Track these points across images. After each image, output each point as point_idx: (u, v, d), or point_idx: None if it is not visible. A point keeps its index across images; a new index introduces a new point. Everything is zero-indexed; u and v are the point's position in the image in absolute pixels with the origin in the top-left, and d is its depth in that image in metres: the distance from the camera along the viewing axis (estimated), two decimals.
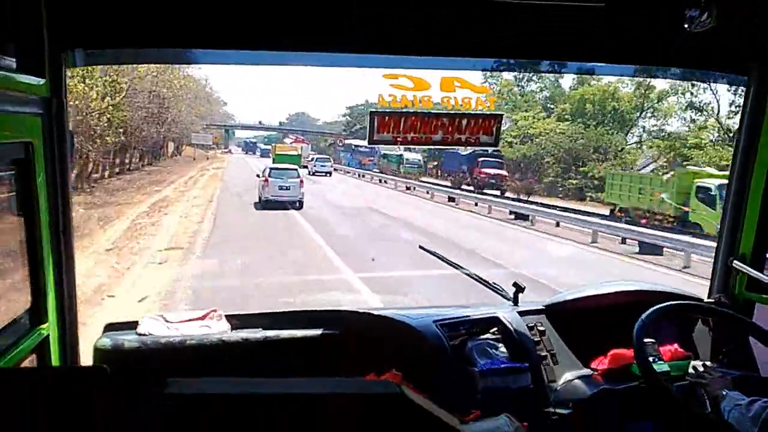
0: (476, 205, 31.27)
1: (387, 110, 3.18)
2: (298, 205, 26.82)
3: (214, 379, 1.72)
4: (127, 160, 40.18)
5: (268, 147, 77.75)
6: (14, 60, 2.34)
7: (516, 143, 45.96)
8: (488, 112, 3.31)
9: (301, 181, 27.70)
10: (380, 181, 47.22)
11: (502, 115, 3.42)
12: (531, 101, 50.15)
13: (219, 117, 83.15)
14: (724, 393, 2.53)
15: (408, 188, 40.41)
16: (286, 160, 37.77)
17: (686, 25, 2.65)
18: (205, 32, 2.79)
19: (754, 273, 3.12)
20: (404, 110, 3.20)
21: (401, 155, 50.88)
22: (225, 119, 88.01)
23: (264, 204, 26.62)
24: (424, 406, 1.64)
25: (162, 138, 49.84)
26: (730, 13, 2.58)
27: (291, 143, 51.69)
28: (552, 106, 49.78)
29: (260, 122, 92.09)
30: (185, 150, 65.47)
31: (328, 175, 49.51)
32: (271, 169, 28.41)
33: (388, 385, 1.84)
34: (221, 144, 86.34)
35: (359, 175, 53.06)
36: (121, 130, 29.56)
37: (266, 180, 27.27)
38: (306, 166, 46.52)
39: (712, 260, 3.48)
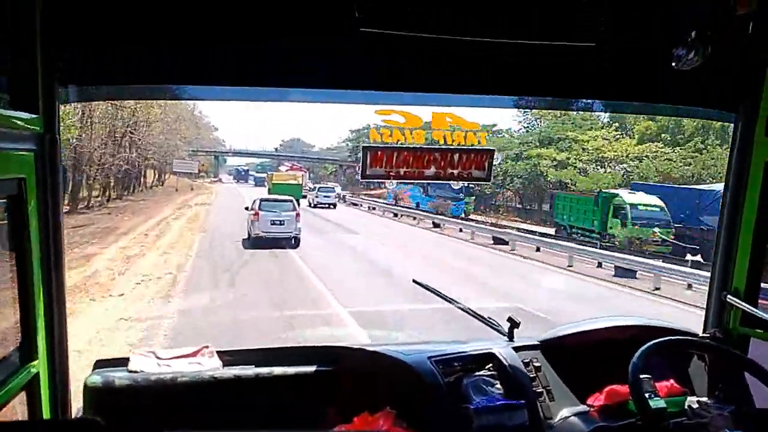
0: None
1: (379, 145, 3.20)
2: (293, 242, 24.02)
3: None
4: (83, 194, 32.81)
5: (263, 175, 73.78)
6: (7, 95, 2.35)
7: (591, 169, 42.09)
8: (480, 147, 3.33)
9: (298, 215, 24.69)
10: (394, 215, 43.48)
11: (493, 150, 3.44)
12: (592, 119, 45.51)
13: (208, 143, 78.60)
14: None
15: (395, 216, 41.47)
16: (285, 191, 32.84)
17: (674, 64, 2.69)
18: (201, 69, 2.81)
19: (748, 308, 3.12)
20: (397, 145, 3.22)
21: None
22: (215, 145, 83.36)
23: (254, 242, 23.63)
24: None
25: (136, 165, 43.58)
26: (717, 51, 2.62)
27: (287, 171, 48.28)
28: (620, 124, 44.70)
29: (251, 149, 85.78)
30: (168, 179, 59.24)
31: (331, 207, 45.17)
32: (261, 201, 25.12)
33: None
34: (210, 172, 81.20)
35: (369, 208, 48.99)
36: (69, 153, 24.78)
37: (256, 214, 24.08)
38: (305, 196, 42.70)
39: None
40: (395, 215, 43.78)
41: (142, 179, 51.19)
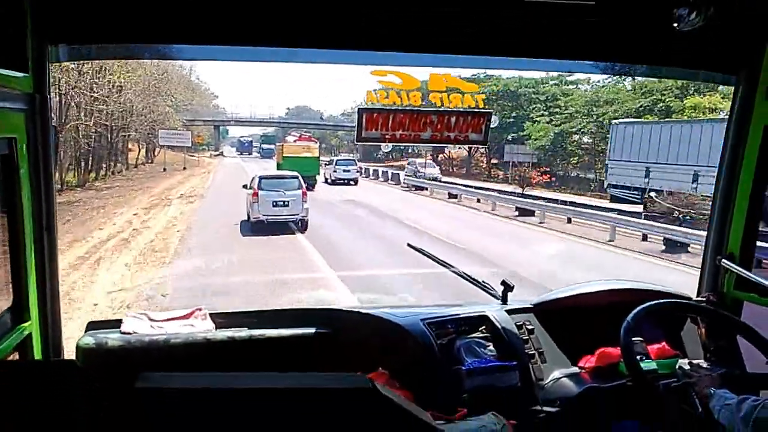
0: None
1: (375, 107, 3.16)
2: (300, 225, 20.57)
3: (187, 374, 1.71)
4: None
5: (270, 146, 65.40)
6: None
7: None
8: (478, 110, 3.30)
9: (304, 193, 21.04)
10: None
11: (491, 112, 3.41)
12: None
13: (207, 112, 66.78)
14: (711, 391, 2.52)
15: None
16: (299, 166, 26.83)
17: (675, 24, 2.64)
18: (194, 28, 2.76)
19: (742, 272, 3.12)
20: (393, 107, 3.18)
21: None
22: (215, 115, 70.20)
23: (253, 226, 20.18)
24: (396, 400, 1.64)
25: (113, 139, 36.73)
26: (719, 12, 2.57)
27: (295, 141, 38.77)
28: None
29: (257, 116, 70.43)
30: (159, 154, 48.42)
31: (352, 183, 37.74)
32: (261, 178, 21.44)
33: (360, 380, 1.83)
34: (210, 144, 70.49)
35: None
36: None
37: (255, 194, 20.47)
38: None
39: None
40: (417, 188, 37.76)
41: (119, 157, 41.27)
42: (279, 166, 32.36)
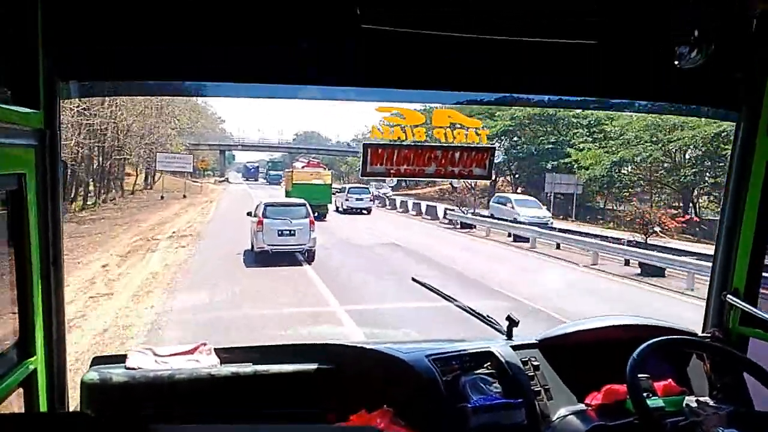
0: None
1: (380, 142, 3.19)
2: (306, 255, 19.74)
3: (195, 427, 1.70)
4: None
5: (278, 173, 62.48)
6: (8, 91, 2.35)
7: None
8: (481, 145, 3.33)
9: (312, 222, 20.13)
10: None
11: (494, 147, 3.44)
12: None
13: (213, 136, 64.96)
14: (720, 431, 2.49)
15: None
16: (310, 194, 25.79)
17: (676, 62, 2.68)
18: (202, 66, 2.81)
19: (747, 307, 3.11)
20: (397, 143, 3.21)
21: None
22: (222, 139, 68.96)
23: (258, 257, 19.34)
24: None
25: (104, 162, 34.21)
26: (720, 49, 2.61)
27: (303, 167, 36.48)
28: None
29: (264, 141, 69.10)
30: (161, 179, 44.28)
31: (365, 212, 36.42)
32: (267, 206, 20.56)
33: (369, 430, 1.81)
34: (215, 170, 69.97)
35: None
36: None
37: (260, 222, 19.63)
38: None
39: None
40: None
41: (112, 183, 38.02)
42: (288, 194, 30.52)
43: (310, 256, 19.81)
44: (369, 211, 37.18)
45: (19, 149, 2.39)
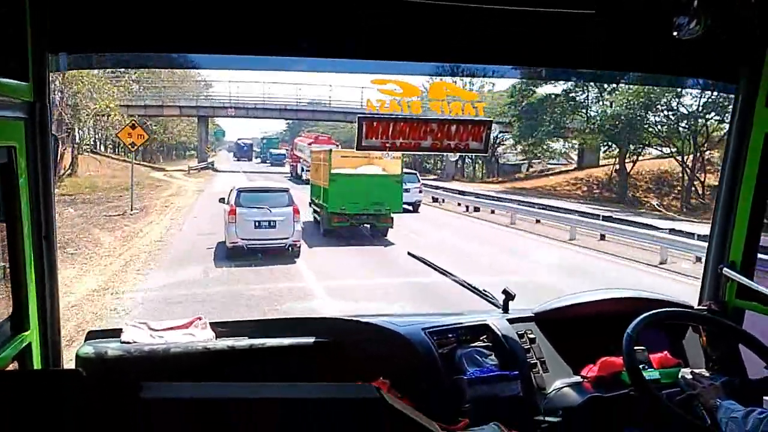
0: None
1: (375, 115, 3.16)
2: (290, 251, 16.17)
3: (190, 384, 1.69)
4: None
5: (281, 152, 52.46)
6: None
7: None
8: (478, 118, 3.29)
9: (296, 211, 16.52)
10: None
11: (491, 121, 3.40)
12: None
13: (189, 98, 43.43)
14: (718, 403, 2.51)
15: None
16: (364, 194, 18.59)
17: (675, 33, 2.65)
18: (196, 37, 2.76)
19: (744, 280, 3.12)
20: (393, 116, 3.18)
21: None
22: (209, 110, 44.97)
23: (231, 253, 15.75)
24: (404, 410, 1.63)
25: None
26: (719, 20, 2.58)
27: (310, 144, 30.36)
28: None
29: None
30: (82, 162, 31.77)
31: (413, 207, 25.81)
32: (240, 192, 16.85)
33: (367, 389, 1.82)
34: (194, 149, 51.07)
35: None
36: None
37: (233, 211, 15.95)
38: None
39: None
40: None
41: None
42: (318, 192, 20.45)
43: (293, 252, 16.32)
44: (416, 207, 26.52)
45: (9, 122, 2.36)
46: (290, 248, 16.23)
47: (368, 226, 19.85)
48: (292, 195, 17.43)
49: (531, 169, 48.87)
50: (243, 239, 15.75)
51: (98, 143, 44.22)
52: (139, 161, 35.51)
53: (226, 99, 44.35)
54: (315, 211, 21.41)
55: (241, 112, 45.09)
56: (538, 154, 45.99)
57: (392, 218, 19.45)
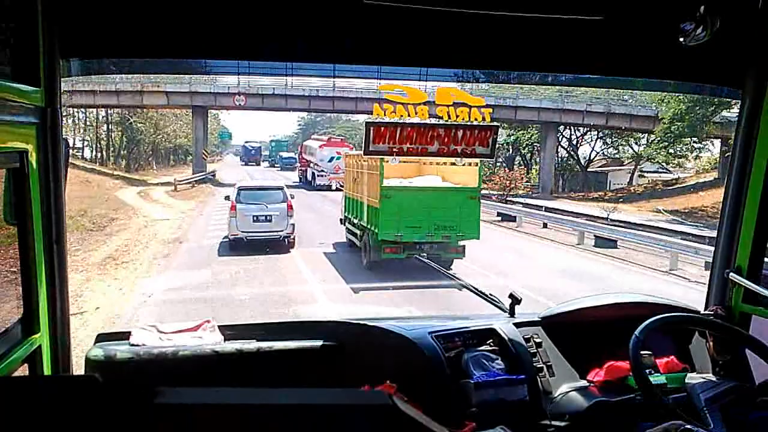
0: None
1: (382, 121, 3.18)
2: (285, 242, 18.44)
3: (204, 390, 1.71)
4: None
5: (292, 155, 46.98)
6: (9, 68, 2.34)
7: None
8: (484, 124, 3.31)
9: (290, 206, 18.68)
10: None
11: (498, 126, 3.42)
12: None
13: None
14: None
15: None
16: (428, 213, 14.72)
17: (681, 39, 2.66)
18: (204, 43, 2.79)
19: (750, 285, 3.11)
20: (400, 121, 3.20)
21: None
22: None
23: (233, 244, 18.31)
24: (416, 417, 1.63)
25: None
26: (725, 27, 2.59)
27: (321, 147, 29.70)
28: None
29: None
30: None
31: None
32: (240, 190, 19.35)
33: (380, 396, 1.83)
34: (196, 154, 38.68)
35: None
36: None
37: (233, 207, 18.46)
38: None
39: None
40: None
41: None
42: (358, 210, 16.72)
43: (288, 244, 18.46)
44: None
45: (20, 127, 2.38)
46: (284, 239, 18.30)
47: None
48: (287, 192, 19.23)
49: (639, 180, 42.71)
50: (243, 231, 17.99)
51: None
52: (119, 170, 27.20)
53: (233, 83, 33.49)
54: (351, 232, 17.98)
55: (254, 102, 34.62)
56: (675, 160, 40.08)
57: (463, 247, 15.08)
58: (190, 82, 34.07)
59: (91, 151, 36.50)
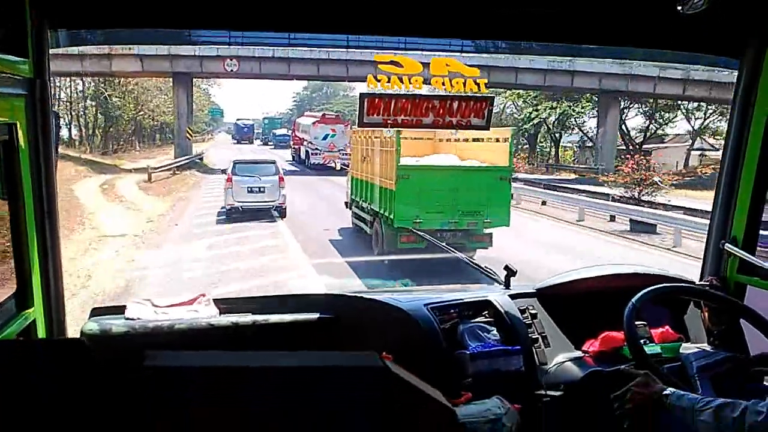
0: None
1: (376, 92, 3.15)
2: (277, 212, 20.09)
3: (193, 353, 1.71)
4: None
5: (286, 132, 45.64)
6: None
7: None
8: (479, 95, 3.28)
9: (281, 179, 20.18)
10: None
11: (493, 97, 3.39)
12: None
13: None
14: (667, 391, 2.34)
15: None
16: (452, 198, 12.84)
17: (679, 7, 2.62)
18: (195, 13, 2.74)
19: (745, 256, 3.12)
20: (394, 92, 3.17)
21: None
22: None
23: (228, 214, 19.71)
24: (408, 379, 1.64)
25: None
26: None
27: (314, 124, 28.11)
28: None
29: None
30: None
31: None
32: (235, 163, 21.00)
33: (371, 358, 1.83)
34: (179, 134, 31.93)
35: None
36: None
37: (229, 179, 19.88)
38: None
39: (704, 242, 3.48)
40: None
41: None
42: (368, 192, 14.71)
43: (281, 213, 20.05)
44: None
45: (9, 98, 2.35)
46: (277, 209, 19.97)
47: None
48: (278, 166, 20.90)
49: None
50: (238, 201, 19.57)
51: None
52: (90, 154, 23.88)
53: (223, 43, 23.88)
54: (360, 218, 15.84)
55: (250, 66, 28.75)
56: None
57: (490, 236, 13.23)
58: (170, 46, 26.67)
59: (69, 132, 32.14)
